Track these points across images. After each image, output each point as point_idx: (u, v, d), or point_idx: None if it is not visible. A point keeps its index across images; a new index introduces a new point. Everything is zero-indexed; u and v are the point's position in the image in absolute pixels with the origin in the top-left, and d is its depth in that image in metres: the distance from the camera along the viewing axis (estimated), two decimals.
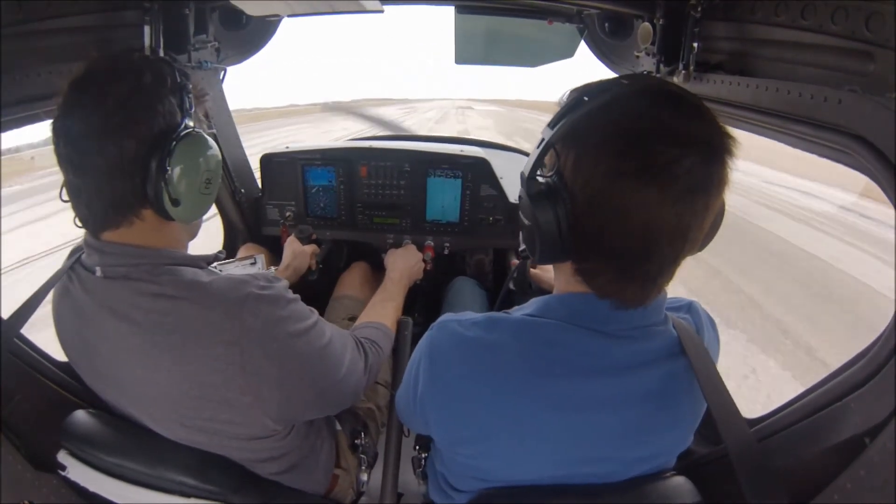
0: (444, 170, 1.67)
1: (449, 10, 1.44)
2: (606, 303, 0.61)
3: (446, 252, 1.78)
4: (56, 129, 0.69)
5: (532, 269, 1.43)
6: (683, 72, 1.00)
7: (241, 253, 1.67)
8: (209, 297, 0.73)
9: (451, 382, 0.66)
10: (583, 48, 1.48)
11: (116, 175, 0.69)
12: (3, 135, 0.89)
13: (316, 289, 1.52)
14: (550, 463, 0.66)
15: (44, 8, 0.87)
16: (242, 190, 1.72)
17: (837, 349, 3.64)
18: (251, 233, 1.83)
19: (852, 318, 4.25)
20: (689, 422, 0.69)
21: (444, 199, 1.72)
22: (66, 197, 0.74)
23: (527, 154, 0.61)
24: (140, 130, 0.69)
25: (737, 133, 0.57)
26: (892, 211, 0.62)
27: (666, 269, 0.59)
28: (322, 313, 0.90)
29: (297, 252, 1.54)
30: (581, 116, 0.57)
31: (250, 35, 1.47)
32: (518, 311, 0.71)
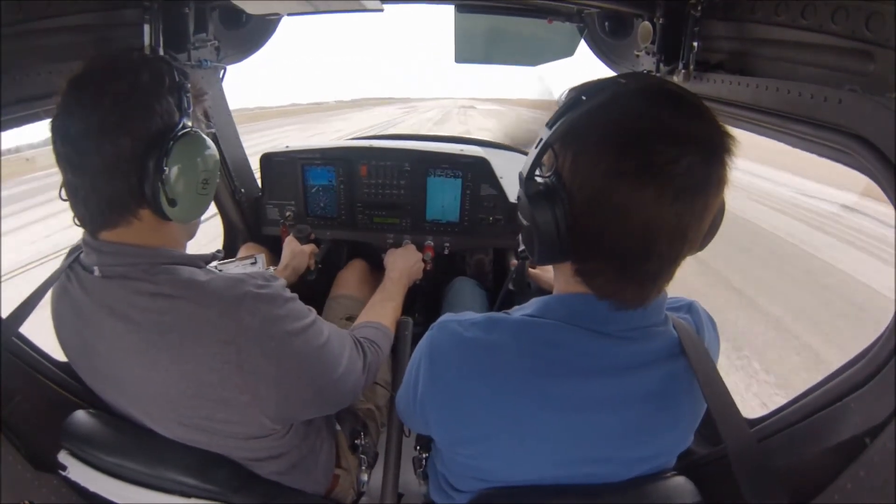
0: (445, 169, 1.67)
1: (449, 10, 1.44)
2: (606, 303, 0.61)
3: (446, 252, 1.78)
4: (54, 128, 0.69)
5: (532, 269, 1.43)
6: (683, 71, 1.00)
7: (242, 253, 1.67)
8: (206, 296, 0.73)
9: (450, 382, 0.66)
10: (583, 47, 1.48)
11: (114, 174, 0.69)
12: (3, 134, 0.89)
13: (315, 288, 1.52)
14: (550, 463, 0.66)
15: (43, 7, 0.87)
16: (242, 189, 1.72)
17: None
18: (251, 232, 1.83)
19: None
20: (689, 422, 0.69)
21: (444, 198, 1.71)
22: (65, 196, 0.74)
23: (526, 154, 0.61)
24: (137, 130, 0.69)
25: (737, 133, 0.57)
26: (893, 211, 0.62)
27: (665, 269, 0.59)
28: (320, 313, 0.89)
29: (296, 252, 1.54)
30: (579, 116, 0.57)
31: (250, 34, 1.47)
32: (518, 312, 0.71)
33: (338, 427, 1.14)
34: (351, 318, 1.27)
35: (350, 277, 1.65)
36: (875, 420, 0.59)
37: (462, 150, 1.71)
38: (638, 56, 1.20)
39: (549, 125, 0.60)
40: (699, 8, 0.95)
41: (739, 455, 0.60)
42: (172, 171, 0.71)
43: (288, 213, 1.77)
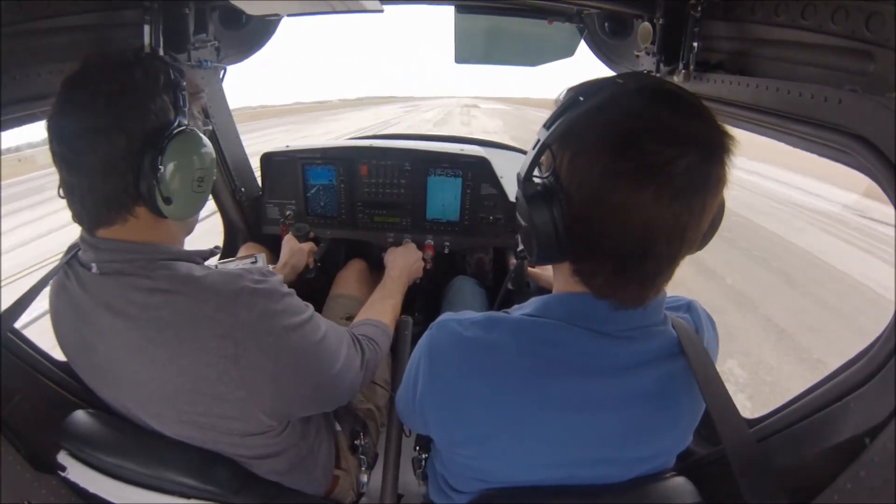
0: (445, 169, 1.67)
1: (449, 10, 1.44)
2: (605, 303, 0.61)
3: (446, 251, 1.78)
4: (50, 128, 0.70)
5: (531, 269, 1.43)
6: (683, 71, 1.00)
7: (242, 252, 1.68)
8: (203, 291, 0.73)
9: (450, 382, 0.66)
10: (583, 46, 1.48)
11: (109, 173, 0.70)
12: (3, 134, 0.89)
13: (314, 287, 1.53)
14: (550, 463, 0.65)
15: (44, 7, 0.87)
16: (243, 189, 1.72)
17: None
18: (251, 232, 1.83)
19: None
20: (688, 422, 0.69)
21: (444, 198, 1.72)
22: (62, 195, 0.74)
23: (526, 153, 0.61)
24: (132, 128, 0.69)
25: (737, 133, 0.57)
26: (893, 211, 0.62)
27: (664, 269, 0.59)
28: (320, 312, 0.90)
29: (295, 250, 1.54)
30: (577, 116, 0.57)
31: (250, 34, 1.47)
32: (517, 311, 0.71)
33: (337, 427, 1.14)
34: (350, 318, 1.27)
35: (350, 277, 1.65)
36: (875, 420, 0.59)
37: (462, 150, 1.71)
38: (638, 56, 1.20)
39: (547, 126, 0.60)
40: (699, 8, 0.95)
41: (738, 455, 0.60)
42: (168, 169, 0.71)
43: (288, 213, 1.77)
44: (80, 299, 0.77)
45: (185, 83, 0.77)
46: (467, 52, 1.71)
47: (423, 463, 1.00)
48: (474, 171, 1.67)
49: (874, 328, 0.63)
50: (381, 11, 1.25)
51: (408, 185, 1.71)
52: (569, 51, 1.61)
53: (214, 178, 0.84)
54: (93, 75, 0.69)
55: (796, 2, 0.72)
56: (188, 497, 0.77)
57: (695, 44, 0.98)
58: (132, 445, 0.80)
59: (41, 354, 0.96)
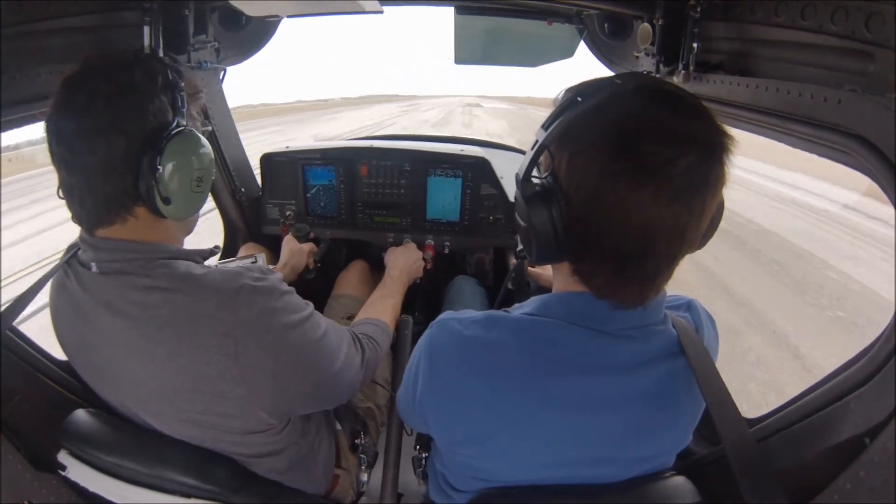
0: (445, 169, 1.68)
1: (449, 11, 1.44)
2: (605, 303, 0.61)
3: (446, 251, 1.78)
4: (49, 128, 0.70)
5: (531, 269, 1.44)
6: (683, 72, 1.00)
7: (242, 252, 1.68)
8: (203, 290, 0.73)
9: (450, 381, 0.66)
10: (584, 47, 1.48)
11: (108, 173, 0.70)
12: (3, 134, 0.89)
13: (314, 287, 1.53)
14: (550, 463, 0.66)
15: (44, 8, 0.87)
16: (243, 189, 1.72)
17: None
18: (251, 232, 1.83)
19: None
20: (688, 421, 0.69)
21: (444, 198, 1.72)
22: (61, 195, 0.74)
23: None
24: (131, 129, 0.69)
25: (737, 133, 0.57)
26: (893, 211, 0.62)
27: (664, 269, 0.59)
28: (320, 312, 0.90)
29: (295, 250, 1.54)
30: (575, 117, 0.57)
31: (250, 35, 1.47)
32: (517, 310, 0.71)
33: (338, 426, 1.14)
34: (352, 317, 1.27)
35: (351, 277, 1.66)
36: (875, 420, 0.59)
37: (462, 150, 1.71)
38: (638, 57, 1.20)
39: (546, 126, 0.60)
40: (698, 9, 0.96)
41: (738, 455, 0.60)
42: (166, 170, 0.72)
43: (288, 213, 1.77)
44: (79, 298, 0.77)
45: (183, 84, 0.77)
46: (467, 52, 1.71)
47: (424, 462, 1.00)
48: (474, 172, 1.67)
49: None
50: (381, 13, 1.26)
51: (408, 185, 1.71)
52: (568, 52, 1.61)
53: (213, 178, 0.84)
54: (92, 76, 0.70)
55: (796, 2, 0.72)
56: (188, 496, 0.78)
57: (694, 44, 0.98)
58: (132, 444, 0.80)
59: (41, 353, 0.96)
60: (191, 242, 0.87)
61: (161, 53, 1.14)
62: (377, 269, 1.67)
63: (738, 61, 0.94)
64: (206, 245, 0.91)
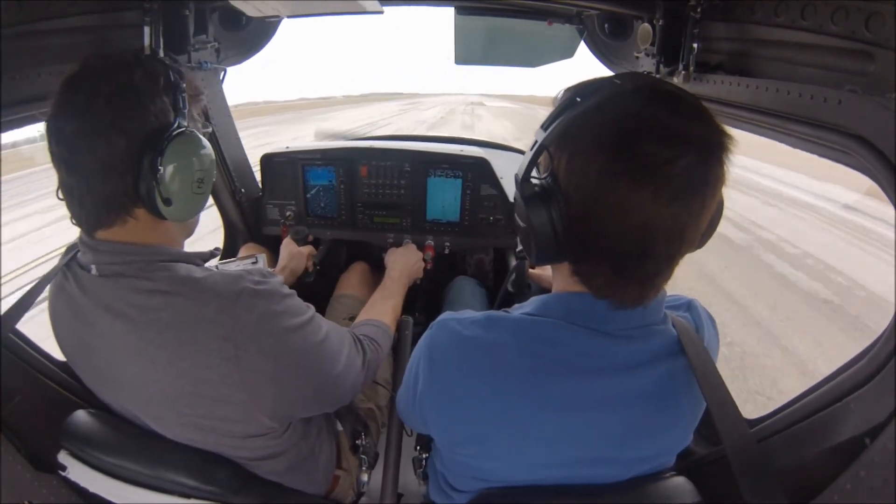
0: (445, 169, 1.68)
1: (449, 11, 1.44)
2: (605, 303, 0.61)
3: (447, 251, 1.78)
4: (49, 128, 0.70)
5: (532, 269, 1.43)
6: (683, 72, 1.00)
7: (242, 253, 1.68)
8: (203, 293, 0.73)
9: (450, 382, 0.66)
10: (584, 47, 1.48)
11: (108, 174, 0.70)
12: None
13: (315, 289, 1.53)
14: (550, 463, 0.66)
15: (44, 8, 0.87)
16: (243, 189, 1.73)
17: None
18: (251, 232, 1.83)
19: None
20: (688, 421, 0.69)
21: (444, 198, 1.72)
22: (61, 196, 0.74)
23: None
24: (131, 129, 0.69)
25: (737, 133, 0.57)
26: (893, 211, 0.62)
27: (663, 269, 0.59)
28: (322, 314, 0.90)
29: (294, 253, 1.54)
30: (574, 117, 0.57)
31: (250, 35, 1.47)
32: (517, 310, 0.71)
33: (339, 427, 1.14)
34: (353, 318, 1.27)
35: (352, 278, 1.66)
36: (875, 420, 0.59)
37: (462, 151, 1.71)
38: (638, 57, 1.20)
39: (545, 126, 0.60)
40: (698, 9, 0.96)
41: (738, 455, 0.60)
42: (167, 171, 0.71)
43: (288, 213, 1.77)
44: (79, 301, 0.77)
45: (184, 85, 0.77)
46: (467, 53, 1.71)
47: (424, 462, 1.00)
48: (474, 172, 1.67)
49: None
50: (381, 13, 1.26)
51: (408, 185, 1.71)
52: (569, 52, 1.61)
53: (214, 179, 0.84)
54: (92, 76, 0.69)
55: (796, 2, 0.72)
56: (188, 497, 0.77)
57: (694, 45, 0.98)
58: (132, 445, 0.80)
59: (41, 354, 0.96)
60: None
61: (161, 54, 1.14)
62: (377, 270, 1.67)
63: (738, 61, 0.94)
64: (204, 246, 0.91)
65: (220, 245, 1.79)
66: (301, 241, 1.63)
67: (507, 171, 1.72)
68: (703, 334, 0.73)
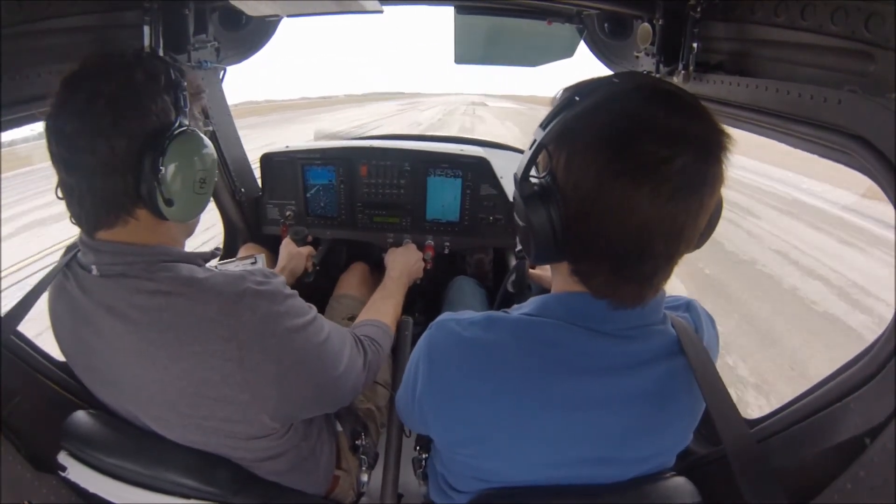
0: (445, 169, 1.68)
1: (449, 11, 1.44)
2: (604, 302, 0.61)
3: (446, 251, 1.78)
4: (48, 128, 0.69)
5: (532, 270, 1.43)
6: (683, 72, 1.00)
7: (242, 253, 1.68)
8: (205, 293, 0.73)
9: (449, 382, 0.66)
10: (584, 47, 1.48)
11: (108, 174, 0.69)
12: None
13: (314, 289, 1.53)
14: (550, 463, 0.66)
15: (44, 8, 0.87)
16: (242, 189, 1.72)
17: None
18: (251, 232, 1.83)
19: None
20: (688, 421, 0.69)
21: (444, 198, 1.72)
22: (60, 195, 0.73)
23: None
24: (132, 129, 0.69)
25: (737, 133, 0.57)
26: (893, 211, 0.62)
27: (662, 268, 0.59)
28: (322, 314, 0.90)
29: (293, 254, 1.54)
30: (573, 116, 0.57)
31: (250, 35, 1.47)
32: (517, 311, 0.71)
33: (339, 428, 1.14)
34: (353, 319, 1.27)
35: (352, 279, 1.66)
36: (875, 420, 0.59)
37: (462, 150, 1.71)
38: (638, 57, 1.20)
39: (543, 126, 0.61)
40: (698, 9, 0.96)
41: (738, 455, 0.60)
42: (169, 171, 0.71)
43: (288, 213, 1.77)
44: (80, 301, 0.77)
45: (185, 83, 0.76)
46: (467, 52, 1.71)
47: (424, 463, 1.00)
48: (474, 172, 1.67)
49: None
50: (381, 12, 1.25)
51: (407, 185, 1.71)
52: (568, 51, 1.61)
53: (216, 179, 0.84)
54: (93, 75, 0.69)
55: (796, 2, 0.72)
56: (188, 497, 0.77)
57: (694, 44, 0.98)
58: (132, 446, 0.80)
59: (41, 355, 0.96)
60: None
61: (161, 53, 1.14)
62: (377, 270, 1.67)
63: (738, 61, 0.94)
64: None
65: (219, 245, 1.79)
66: (300, 242, 1.63)
67: (507, 170, 1.72)
68: (702, 334, 0.73)
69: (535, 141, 0.61)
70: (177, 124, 0.72)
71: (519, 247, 0.71)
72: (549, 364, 0.63)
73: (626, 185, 0.53)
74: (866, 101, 0.61)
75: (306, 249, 1.60)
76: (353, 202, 1.75)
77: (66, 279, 0.79)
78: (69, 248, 0.83)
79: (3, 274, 4.75)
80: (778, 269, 5.45)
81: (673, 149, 0.52)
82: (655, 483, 0.68)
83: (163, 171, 0.70)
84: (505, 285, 1.28)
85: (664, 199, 0.53)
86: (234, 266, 1.41)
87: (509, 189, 1.69)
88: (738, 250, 5.84)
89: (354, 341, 0.97)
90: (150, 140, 0.70)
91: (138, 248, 0.74)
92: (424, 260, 1.63)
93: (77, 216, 0.74)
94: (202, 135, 0.78)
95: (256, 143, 1.80)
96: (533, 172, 0.63)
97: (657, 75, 1.10)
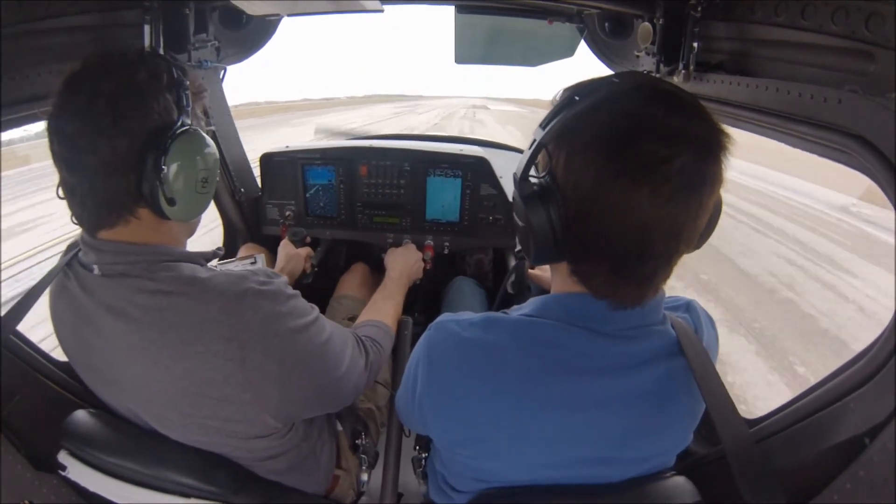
0: (444, 169, 1.68)
1: (449, 10, 1.44)
2: (603, 303, 0.61)
3: (446, 251, 1.78)
4: (50, 128, 0.69)
5: (531, 270, 1.43)
6: (683, 71, 1.00)
7: (242, 253, 1.68)
8: (208, 293, 0.73)
9: (449, 383, 0.66)
10: (585, 46, 1.48)
11: (110, 173, 0.69)
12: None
13: (314, 290, 1.53)
14: (549, 463, 0.66)
15: (44, 8, 0.87)
16: (242, 189, 1.72)
17: None
18: (251, 232, 1.83)
19: None
20: (688, 421, 0.69)
21: (443, 198, 1.72)
22: (62, 195, 0.73)
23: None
24: (133, 128, 0.68)
25: (737, 133, 0.57)
26: (893, 211, 0.62)
27: (661, 268, 0.59)
28: (322, 314, 0.90)
29: (291, 255, 1.54)
30: (573, 116, 0.57)
31: (250, 34, 1.47)
32: (516, 311, 0.71)
33: (339, 427, 1.14)
34: (353, 319, 1.27)
35: (352, 279, 1.66)
36: (875, 420, 0.59)
37: (462, 150, 1.71)
38: (638, 57, 1.20)
39: (543, 125, 0.60)
40: (699, 9, 0.96)
41: (737, 455, 0.60)
42: (171, 170, 0.70)
43: (288, 213, 1.77)
44: (81, 301, 0.76)
45: (188, 82, 0.76)
46: (467, 52, 1.70)
47: (423, 462, 1.00)
48: (474, 172, 1.67)
49: None
50: (381, 11, 1.25)
51: (407, 185, 1.71)
52: (569, 51, 1.61)
53: (218, 178, 0.84)
54: (94, 75, 0.69)
55: (796, 2, 0.72)
56: (188, 497, 0.77)
57: (695, 44, 0.98)
58: (132, 445, 0.80)
59: (41, 354, 0.96)
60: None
61: (161, 52, 1.14)
62: (377, 271, 1.67)
63: (738, 61, 0.94)
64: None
65: (220, 245, 1.79)
66: (298, 243, 1.63)
67: (507, 170, 1.72)
68: (702, 335, 0.73)
69: (534, 140, 0.61)
70: (179, 123, 0.72)
71: (518, 247, 0.71)
72: (549, 365, 0.63)
73: (626, 185, 0.53)
74: (866, 100, 0.61)
75: (305, 250, 1.60)
76: (352, 202, 1.75)
77: (67, 278, 0.79)
78: (70, 247, 0.83)
79: None
80: None
81: (673, 148, 0.52)
82: (655, 483, 0.68)
83: (165, 171, 0.70)
84: (505, 286, 1.28)
85: (664, 198, 0.53)
86: (234, 266, 1.41)
87: (509, 189, 1.69)
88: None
89: (356, 342, 0.97)
90: (153, 139, 0.70)
91: (140, 248, 0.74)
92: (424, 260, 1.63)
93: (79, 216, 0.74)
94: (204, 134, 0.78)
95: (251, 146, 1.78)
96: (533, 172, 0.62)
97: (657, 75, 1.10)
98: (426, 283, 1.72)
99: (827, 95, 0.67)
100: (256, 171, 1.81)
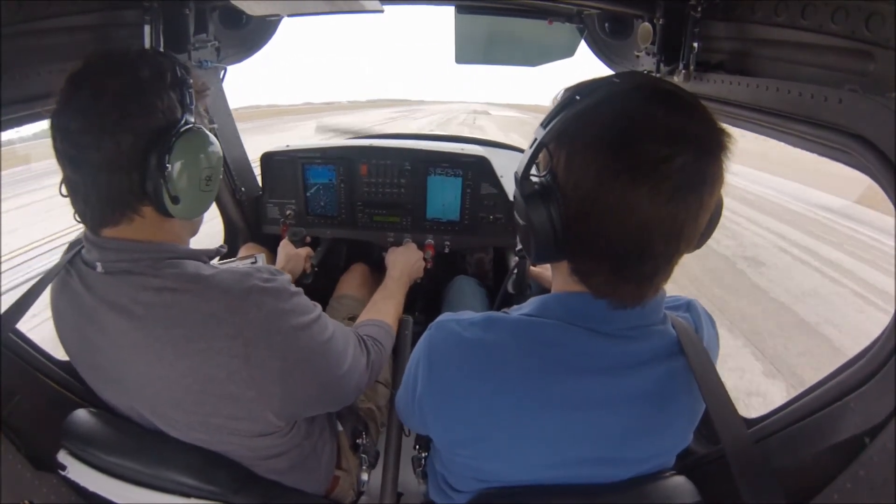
0: (445, 168, 1.68)
1: (450, 11, 1.44)
2: (604, 303, 0.61)
3: (447, 251, 1.78)
4: (53, 125, 0.69)
5: (533, 269, 1.43)
6: (683, 71, 1.00)
7: (242, 252, 1.68)
8: (212, 290, 0.73)
9: (449, 383, 0.66)
10: (585, 47, 1.48)
11: (114, 171, 0.69)
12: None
13: (315, 289, 1.53)
14: (550, 463, 0.66)
15: (44, 7, 0.87)
16: (243, 188, 1.73)
17: None
18: (251, 231, 1.83)
19: None
20: (688, 421, 0.69)
21: (444, 197, 1.72)
22: (65, 192, 0.73)
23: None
24: (137, 126, 0.68)
25: (737, 133, 0.57)
26: (893, 211, 0.62)
27: (662, 268, 0.59)
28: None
29: (291, 255, 1.54)
30: (573, 115, 0.57)
31: (250, 34, 1.47)
32: (516, 311, 0.71)
33: (339, 427, 1.14)
34: (353, 319, 1.27)
35: (352, 279, 1.66)
36: (875, 420, 0.59)
37: (462, 149, 1.71)
38: (638, 57, 1.20)
39: (544, 125, 0.61)
40: (699, 9, 0.96)
41: (736, 455, 0.60)
42: (175, 168, 0.71)
43: (288, 212, 1.77)
44: (84, 299, 0.76)
45: (191, 81, 0.76)
46: (467, 52, 1.71)
47: (423, 462, 1.00)
48: (474, 171, 1.67)
49: None
50: (381, 11, 1.26)
51: (408, 184, 1.71)
52: (569, 51, 1.61)
53: (221, 176, 0.84)
54: (98, 72, 0.69)
55: (796, 2, 0.72)
56: (188, 496, 0.77)
57: (695, 44, 0.98)
58: (132, 444, 0.80)
59: (41, 354, 0.96)
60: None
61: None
62: (378, 270, 1.67)
63: (738, 61, 0.94)
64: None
65: (223, 244, 1.79)
66: (298, 243, 1.63)
67: (508, 169, 1.72)
68: (702, 335, 0.73)
69: (535, 140, 0.61)
70: (183, 121, 0.72)
71: (519, 246, 0.71)
72: (549, 364, 0.63)
73: (626, 185, 0.53)
74: (866, 100, 0.61)
75: (304, 250, 1.60)
76: (353, 201, 1.75)
77: (69, 276, 0.79)
78: (72, 245, 0.83)
79: None
80: None
81: (673, 148, 0.52)
82: (655, 483, 0.68)
83: (169, 169, 0.70)
84: (505, 285, 1.28)
85: (664, 198, 0.53)
86: (234, 265, 1.41)
87: (510, 188, 1.69)
88: None
89: (358, 341, 0.97)
90: (156, 137, 0.69)
91: (144, 245, 0.74)
92: (425, 259, 1.63)
93: (82, 213, 0.74)
94: (208, 132, 0.78)
95: (251, 147, 1.78)
96: (533, 171, 0.63)
97: (657, 75, 1.10)
98: (427, 283, 1.72)
99: (827, 95, 0.67)
100: (257, 171, 1.81)
